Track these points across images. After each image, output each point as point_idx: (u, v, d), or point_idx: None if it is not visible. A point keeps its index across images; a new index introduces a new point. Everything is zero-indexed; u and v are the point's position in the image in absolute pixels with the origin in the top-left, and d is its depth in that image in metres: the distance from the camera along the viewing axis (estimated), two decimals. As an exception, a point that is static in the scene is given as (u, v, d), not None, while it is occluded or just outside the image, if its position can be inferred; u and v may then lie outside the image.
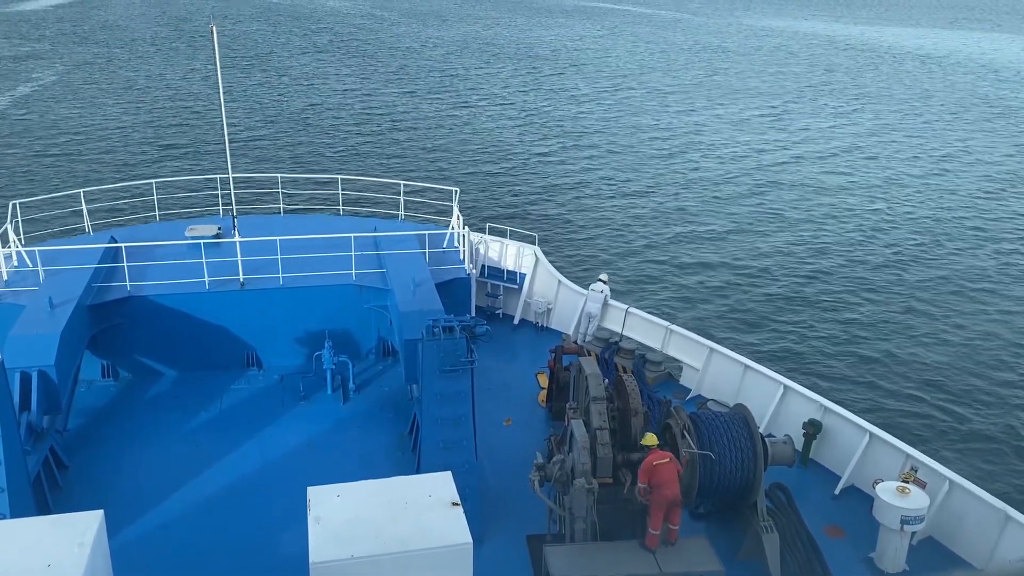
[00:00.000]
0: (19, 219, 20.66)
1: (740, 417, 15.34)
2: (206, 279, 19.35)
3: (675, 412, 15.25)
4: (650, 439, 13.75)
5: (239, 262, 19.60)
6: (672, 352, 20.94)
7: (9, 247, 20.00)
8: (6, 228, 20.02)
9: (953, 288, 37.46)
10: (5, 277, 19.62)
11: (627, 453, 14.47)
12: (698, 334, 20.92)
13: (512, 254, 23.88)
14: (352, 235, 20.00)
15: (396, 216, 25.18)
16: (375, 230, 22.73)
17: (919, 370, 29.93)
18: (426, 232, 22.15)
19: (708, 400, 19.39)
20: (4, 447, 13.28)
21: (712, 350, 19.91)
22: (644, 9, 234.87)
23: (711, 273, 38.48)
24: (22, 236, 20.72)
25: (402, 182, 25.73)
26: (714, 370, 19.87)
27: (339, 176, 26.01)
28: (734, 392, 19.04)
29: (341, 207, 25.43)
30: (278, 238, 19.56)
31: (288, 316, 19.85)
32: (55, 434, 16.45)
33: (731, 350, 20.10)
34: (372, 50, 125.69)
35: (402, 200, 24.64)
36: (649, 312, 22.35)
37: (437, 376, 14.60)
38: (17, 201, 21.45)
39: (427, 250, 21.20)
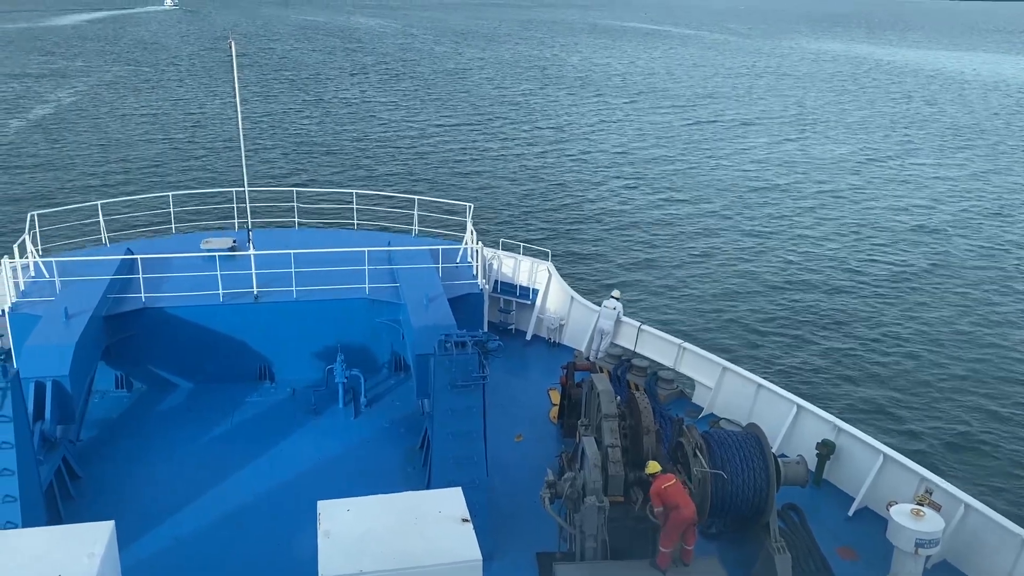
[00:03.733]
0: (37, 230, 20.82)
1: (753, 436, 15.24)
2: (220, 292, 19.43)
3: (687, 431, 15.16)
4: (652, 467, 13.70)
5: (253, 275, 19.68)
6: (685, 370, 20.84)
7: (26, 257, 20.15)
8: (24, 239, 20.17)
9: (971, 309, 37.19)
10: (22, 287, 19.75)
11: (639, 471, 14.38)
12: (711, 352, 20.82)
13: (525, 270, 23.88)
14: (366, 249, 20.04)
15: (410, 231, 25.26)
16: (389, 245, 22.78)
17: (935, 391, 29.68)
18: (439, 247, 22.17)
19: (720, 419, 19.27)
20: (18, 456, 13.35)
21: (725, 368, 19.81)
22: (656, 27, 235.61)
23: (725, 291, 38.36)
24: (39, 247, 20.88)
25: (416, 197, 25.81)
26: (727, 389, 19.75)
27: (354, 191, 26.12)
28: (747, 411, 18.92)
29: (355, 222, 25.53)
30: (292, 252, 19.63)
31: (301, 330, 19.88)
32: (68, 444, 16.50)
33: (744, 369, 19.99)
34: (393, 68, 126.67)
35: (416, 215, 24.71)
36: (662, 329, 22.29)
37: (448, 391, 14.57)
38: (35, 212, 21.64)
39: (440, 265, 21.21)
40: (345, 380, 19.15)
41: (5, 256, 19.56)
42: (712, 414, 19.79)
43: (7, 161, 59.68)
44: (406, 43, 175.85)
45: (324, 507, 10.35)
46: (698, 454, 14.58)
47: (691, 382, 20.79)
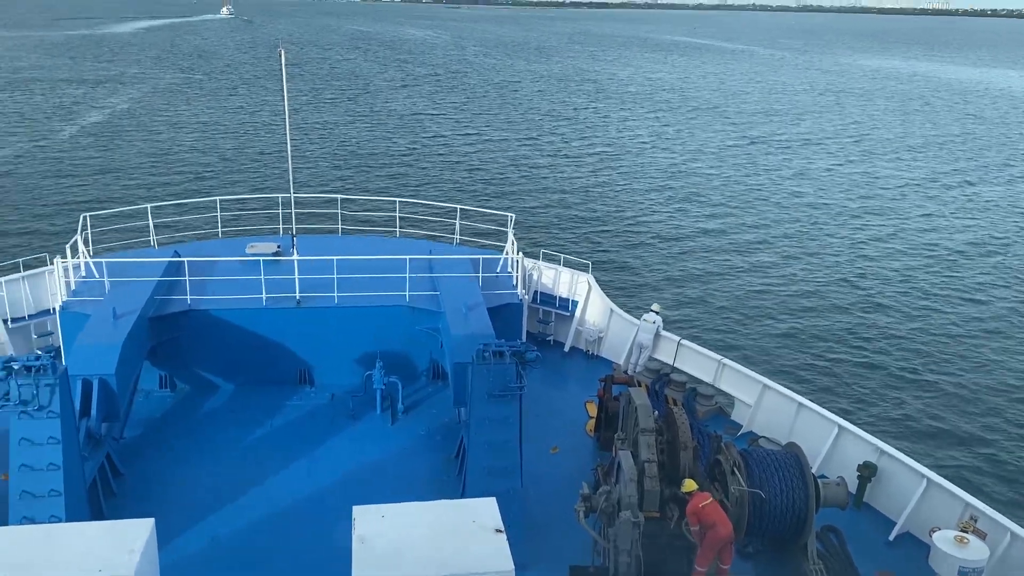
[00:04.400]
0: (89, 231, 21.32)
1: (792, 456, 15.00)
2: (263, 296, 19.69)
3: (725, 448, 14.98)
4: (689, 485, 13.56)
5: (296, 280, 19.93)
6: (724, 386, 20.60)
7: (78, 258, 20.64)
8: (76, 239, 20.67)
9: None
10: (73, 287, 20.23)
11: (675, 488, 14.24)
12: (751, 368, 20.55)
13: (565, 281, 23.84)
14: (407, 257, 20.18)
15: (451, 240, 25.38)
16: (430, 253, 22.91)
17: (982, 416, 28.93)
18: (480, 257, 22.23)
19: (759, 437, 19.00)
20: (64, 452, 13.65)
21: (765, 386, 19.54)
22: (708, 42, 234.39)
23: (766, 308, 37.88)
24: (91, 248, 21.37)
25: (458, 207, 25.94)
26: (767, 407, 19.47)
27: (397, 199, 26.36)
28: (787, 430, 18.63)
29: (398, 229, 25.73)
30: (335, 258, 19.83)
31: (341, 335, 20.06)
32: (112, 441, 16.83)
33: (785, 387, 19.70)
34: (442, 79, 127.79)
35: (458, 224, 24.83)
36: (701, 344, 22.07)
37: (486, 400, 14.58)
38: (88, 214, 22.17)
39: (480, 274, 21.27)
40: (383, 387, 19.27)
41: (58, 256, 20.07)
42: (751, 432, 19.52)
43: (63, 164, 61.29)
44: (456, 54, 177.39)
45: (359, 512, 10.40)
46: (736, 472, 14.39)
47: (730, 399, 20.55)
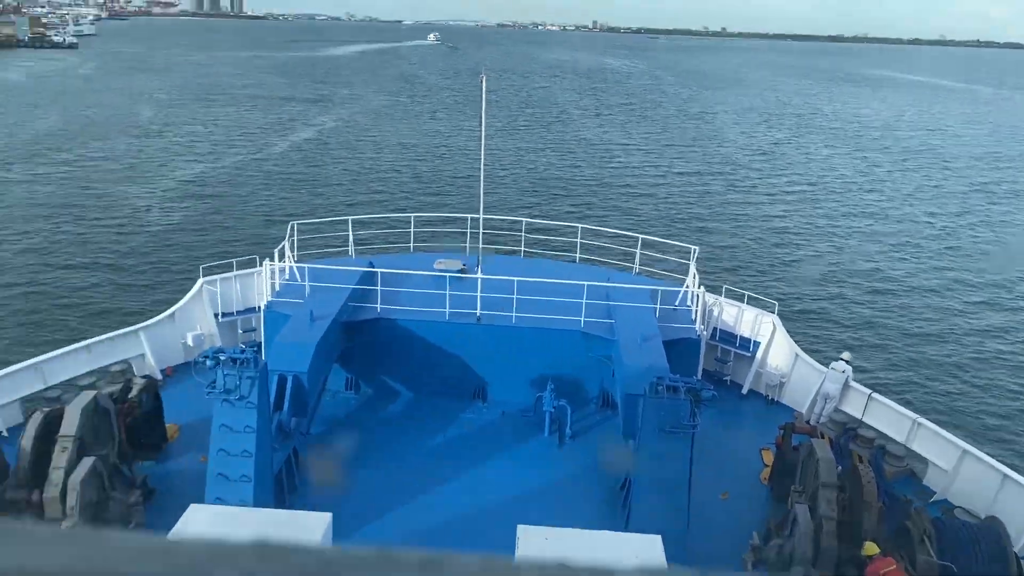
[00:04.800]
0: (295, 238, 22.94)
1: (993, 531, 13.60)
2: (447, 310, 20.36)
3: (915, 514, 13.82)
4: (871, 548, 12.61)
5: (478, 297, 20.48)
6: (917, 447, 19.03)
7: (284, 262, 22.24)
8: (283, 245, 22.30)
9: None
10: (277, 288, 21.81)
11: (854, 550, 13.28)
12: (949, 431, 18.88)
13: (748, 320, 22.99)
14: (585, 283, 20.21)
15: (631, 269, 25.18)
16: (608, 281, 22.84)
17: None
18: (659, 288, 21.90)
19: (955, 507, 17.37)
20: (257, 441, 14.68)
21: (965, 451, 17.86)
22: (929, 79, 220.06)
23: (971, 366, 34.77)
24: (295, 253, 22.97)
25: (640, 235, 25.71)
26: (965, 474, 17.79)
27: (578, 224, 26.51)
28: (988, 502, 16.92)
29: (578, 255, 25.87)
30: (516, 279, 20.20)
31: (516, 355, 20.37)
32: (300, 436, 17.92)
33: (987, 454, 17.93)
34: (636, 108, 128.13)
35: (638, 254, 24.60)
36: (894, 400, 20.54)
37: (656, 435, 14.27)
38: (295, 222, 23.86)
39: (658, 306, 20.94)
40: (552, 409, 19.35)
41: (267, 259, 21.74)
42: (946, 500, 17.89)
43: (275, 175, 66.60)
44: (651, 84, 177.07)
45: (523, 532, 10.46)
46: (926, 541, 13.23)
47: (924, 461, 18.95)
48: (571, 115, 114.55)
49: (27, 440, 14.65)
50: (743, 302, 23.13)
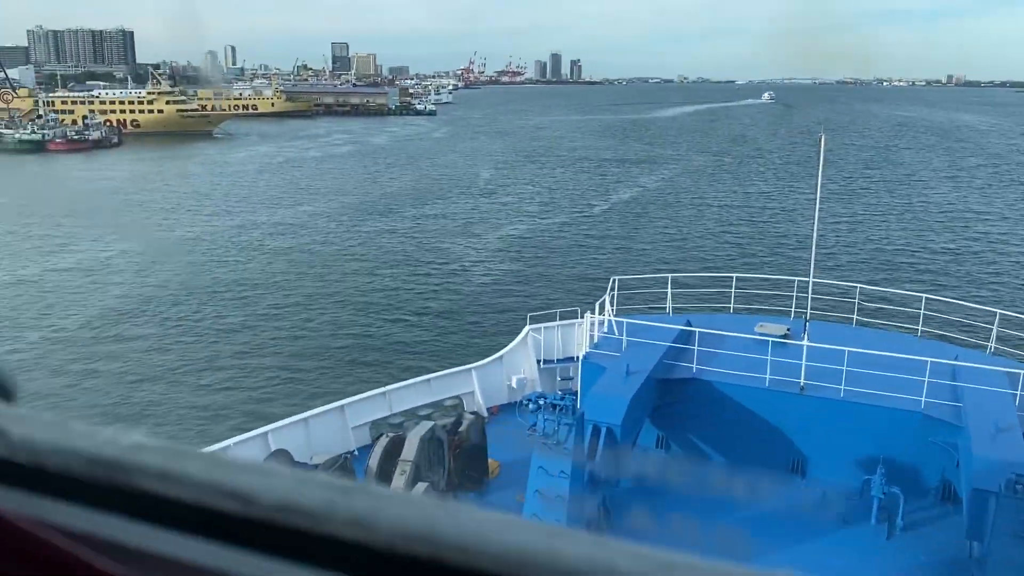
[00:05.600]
0: (616, 292, 23.52)
1: None
2: (767, 376, 19.53)
3: None
4: None
5: (803, 366, 19.39)
6: None
7: (604, 315, 22.86)
8: (604, 299, 22.95)
9: None
10: (596, 340, 22.43)
11: None
12: None
13: None
14: (928, 360, 18.30)
15: (984, 347, 22.36)
16: (955, 359, 20.47)
17: None
18: (1021, 371, 19.15)
19: None
20: (571, 486, 15.13)
21: None
22: None
23: None
24: (615, 307, 23.51)
25: (997, 311, 22.78)
26: None
27: (923, 294, 24.17)
28: None
29: (920, 327, 23.53)
30: (846, 349, 18.84)
31: (843, 431, 18.92)
32: (609, 488, 18.13)
33: None
34: (998, 169, 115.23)
35: (995, 330, 21.80)
36: None
37: (1011, 540, 12.42)
38: (616, 277, 24.49)
39: (1019, 392, 18.30)
40: (882, 496, 17.60)
41: (588, 311, 22.51)
42: None
43: (599, 232, 69.16)
44: (1019, 144, 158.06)
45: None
46: None
47: None
48: (919, 177, 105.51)
49: (374, 460, 16.47)
50: None
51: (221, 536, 0.92)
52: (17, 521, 0.93)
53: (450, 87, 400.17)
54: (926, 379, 18.12)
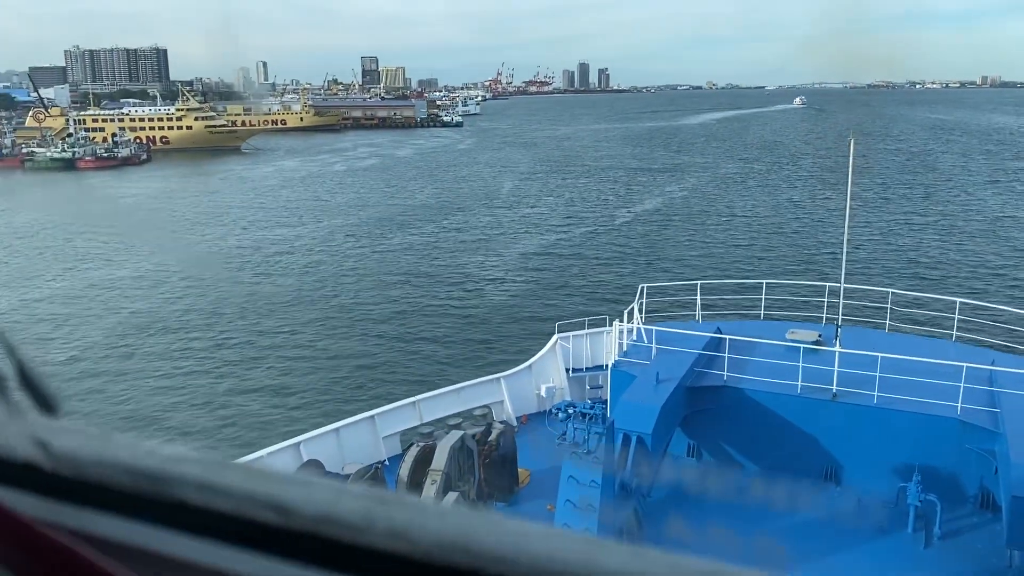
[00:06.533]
0: (644, 300, 23.42)
1: None
2: (799, 383, 19.33)
3: None
4: None
5: (835, 372, 19.17)
6: None
7: (632, 323, 22.77)
8: (632, 307, 22.86)
9: None
10: (625, 348, 22.34)
11: None
12: None
13: None
14: (964, 365, 18.00)
15: (1022, 352, 21.95)
16: (992, 363, 20.11)
17: None
18: None
19: None
20: (601, 496, 15.06)
21: None
22: None
23: None
24: (643, 315, 23.41)
25: None
26: None
27: (956, 298, 23.81)
28: None
29: (954, 332, 23.16)
30: (879, 355, 18.60)
31: (877, 438, 18.66)
32: (640, 498, 18.02)
33: None
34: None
35: (1029, 335, 21.42)
36: None
37: (1052, 549, 12.15)
38: (645, 285, 24.38)
39: None
40: (919, 504, 17.32)
41: (616, 319, 22.44)
42: None
43: (627, 240, 68.95)
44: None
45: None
46: None
47: None
48: (958, 182, 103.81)
49: (404, 469, 16.53)
50: None
51: (261, 547, 0.93)
52: (57, 533, 0.96)
53: (478, 98, 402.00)
54: (962, 384, 17.83)
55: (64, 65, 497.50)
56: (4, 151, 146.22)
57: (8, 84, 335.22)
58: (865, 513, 18.17)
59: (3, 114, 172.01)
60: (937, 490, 17.56)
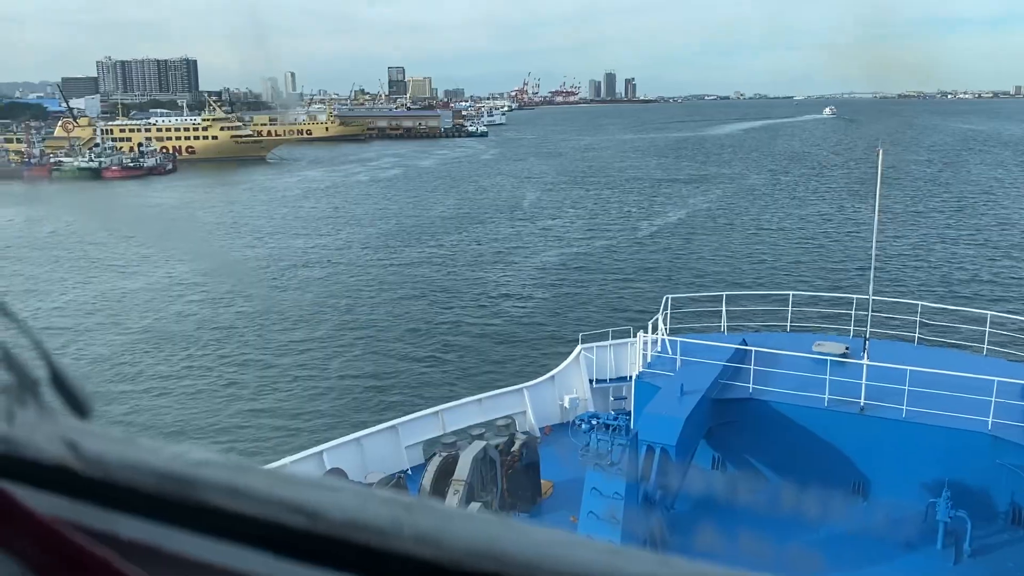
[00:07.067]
0: (669, 311, 23.28)
1: None
2: (826, 396, 19.12)
3: None
4: None
5: (863, 385, 18.94)
6: None
7: (657, 334, 22.65)
8: (657, 318, 22.75)
9: None
10: (649, 359, 22.23)
11: None
12: None
13: None
14: (995, 379, 17.70)
15: None
16: None
17: None
18: None
19: None
20: (624, 508, 14.97)
21: None
22: None
23: None
24: (668, 326, 23.27)
25: None
26: None
27: (987, 311, 23.44)
28: None
29: (985, 346, 22.80)
30: (908, 368, 18.34)
31: (906, 452, 18.39)
32: (664, 510, 17.88)
33: None
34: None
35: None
36: None
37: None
38: (669, 296, 24.25)
39: None
40: (948, 520, 17.04)
41: (641, 331, 22.33)
42: None
43: (652, 251, 68.72)
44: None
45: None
46: None
47: None
48: (992, 194, 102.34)
49: (427, 479, 16.55)
50: None
51: (287, 551, 0.94)
52: (80, 534, 0.97)
53: (504, 108, 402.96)
54: (993, 398, 17.54)
55: (96, 76, 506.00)
56: (33, 160, 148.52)
57: (41, 94, 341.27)
58: (893, 528, 17.90)
59: (33, 124, 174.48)
60: (967, 506, 17.27)
